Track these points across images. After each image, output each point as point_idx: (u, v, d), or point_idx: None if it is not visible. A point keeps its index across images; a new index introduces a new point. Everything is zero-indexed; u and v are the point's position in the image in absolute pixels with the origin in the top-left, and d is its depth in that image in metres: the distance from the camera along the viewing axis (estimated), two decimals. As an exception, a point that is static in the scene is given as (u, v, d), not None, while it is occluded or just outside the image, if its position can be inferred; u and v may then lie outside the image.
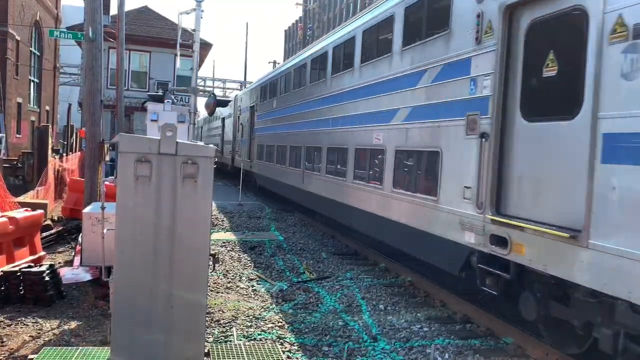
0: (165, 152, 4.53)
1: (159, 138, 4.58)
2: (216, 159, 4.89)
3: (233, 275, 9.22)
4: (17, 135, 34.37)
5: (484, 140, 6.36)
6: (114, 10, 22.77)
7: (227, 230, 13.81)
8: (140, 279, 4.62)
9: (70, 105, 33.46)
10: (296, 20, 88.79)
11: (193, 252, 4.63)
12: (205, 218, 4.66)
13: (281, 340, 6.33)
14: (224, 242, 12.06)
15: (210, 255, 4.98)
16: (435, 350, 6.12)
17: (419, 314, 7.53)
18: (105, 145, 11.52)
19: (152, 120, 11.91)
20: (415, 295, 8.53)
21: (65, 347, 5.45)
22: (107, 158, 12.00)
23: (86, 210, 8.09)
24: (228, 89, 50.37)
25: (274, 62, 62.75)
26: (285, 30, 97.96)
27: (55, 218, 13.57)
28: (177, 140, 4.59)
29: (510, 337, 6.48)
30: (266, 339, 6.32)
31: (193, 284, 4.67)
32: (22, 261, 7.98)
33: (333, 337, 6.56)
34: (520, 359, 6.05)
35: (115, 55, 20.68)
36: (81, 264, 8.18)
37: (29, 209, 9.08)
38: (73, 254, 9.67)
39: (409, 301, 8.17)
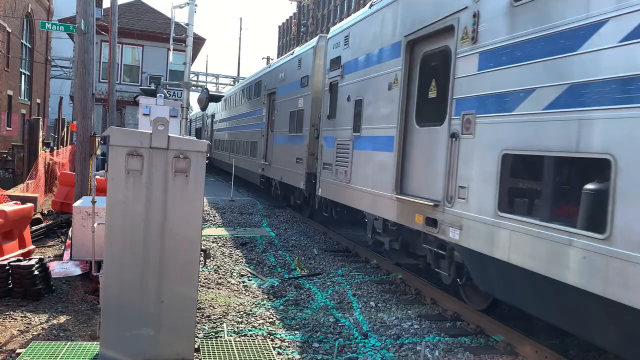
0: (156, 146, 4.51)
1: (150, 132, 4.55)
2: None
3: (224, 271, 9.20)
4: (8, 128, 34.09)
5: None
6: (106, 3, 22.64)
7: (219, 226, 13.77)
8: (130, 273, 4.60)
9: (61, 98, 33.24)
10: (290, 17, 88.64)
11: (184, 247, 4.61)
12: (196, 213, 4.64)
13: (272, 336, 6.32)
14: (215, 238, 12.03)
15: (201, 250, 4.95)
16: (425, 348, 6.13)
17: (409, 311, 7.54)
18: (97, 139, 11.43)
19: (144, 114, 11.84)
20: (406, 293, 8.55)
21: (54, 342, 5.40)
22: (99, 152, 11.90)
23: (76, 204, 8.03)
24: (221, 84, 50.19)
25: (268, 58, 62.60)
26: (280, 26, 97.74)
27: (45, 212, 13.48)
28: (169, 134, 4.56)
29: (500, 335, 6.50)
30: (257, 335, 6.31)
31: (184, 279, 4.65)
32: (11, 255, 7.91)
33: (324, 334, 6.55)
34: (509, 357, 6.07)
35: (108, 49, 20.55)
36: (71, 258, 8.11)
37: (19, 202, 9.01)
38: (63, 247, 9.60)
39: (399, 298, 8.19)
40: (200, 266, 5.06)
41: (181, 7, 16.14)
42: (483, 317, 6.97)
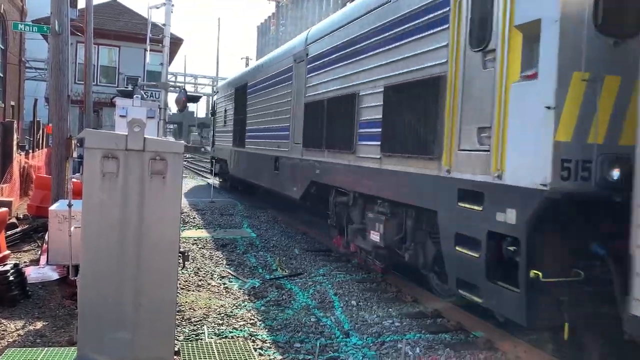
0: (132, 148, 4.46)
1: (126, 134, 4.50)
2: None
3: (204, 273, 9.13)
4: (-19, 131, 33.38)
5: None
6: (82, 3, 22.33)
7: (199, 228, 13.67)
8: (108, 277, 4.54)
9: (36, 100, 32.73)
10: (269, 16, 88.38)
11: (162, 249, 4.56)
12: (174, 215, 4.60)
13: (253, 338, 6.30)
14: (195, 240, 11.94)
15: (180, 253, 4.91)
16: (406, 345, 6.17)
17: (390, 309, 7.58)
18: (73, 141, 11.26)
19: (120, 115, 11.71)
20: (387, 291, 8.58)
21: (30, 348, 5.31)
22: (75, 154, 11.73)
23: (52, 207, 7.91)
24: (199, 84, 49.87)
25: (247, 59, 62.37)
26: (258, 26, 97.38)
27: (21, 216, 13.24)
28: (145, 136, 4.52)
29: (479, 331, 6.57)
30: (238, 337, 6.28)
31: (162, 282, 4.61)
32: (-15, 260, 7.75)
33: (305, 334, 6.55)
34: (489, 352, 6.14)
35: (84, 50, 20.27)
36: (48, 263, 7.99)
37: (-7, 206, 8.83)
38: (39, 252, 9.45)
39: (380, 297, 8.22)
40: (179, 268, 5.03)
41: (157, 8, 15.98)
42: (463, 314, 7.04)
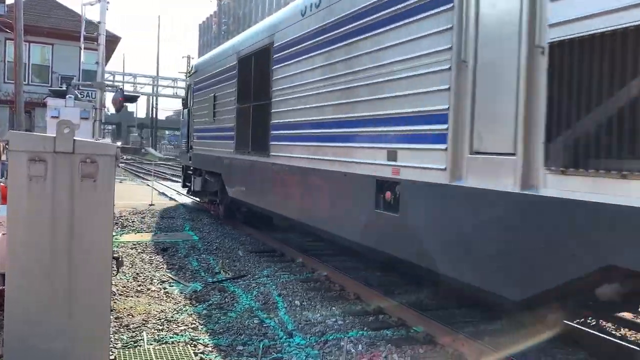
0: (61, 151, 4.28)
1: (54, 135, 4.31)
2: None
3: (144, 278, 8.89)
4: None
5: None
6: (10, -2, 21.31)
7: (138, 232, 13.30)
8: (37, 285, 4.34)
9: (-38, 100, 30.99)
10: (211, 15, 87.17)
11: (94, 255, 4.41)
12: (106, 219, 4.45)
13: (194, 342, 6.18)
14: (134, 244, 11.61)
15: (114, 258, 4.76)
16: (348, 343, 6.22)
17: (333, 308, 7.62)
18: (1, 144, 10.70)
19: (52, 116, 11.21)
20: (330, 289, 8.63)
21: (-47, 364, 5.01)
22: (4, 157, 11.15)
23: (-22, 214, 7.49)
24: (139, 84, 48.59)
25: (188, 57, 61.32)
26: (200, 25, 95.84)
27: (-55, 223, 12.48)
28: (75, 138, 4.35)
29: (420, 326, 6.71)
30: (178, 342, 6.15)
31: (95, 289, 4.45)
32: None
33: (248, 336, 6.50)
34: (429, 346, 6.28)
35: (13, 47, 19.35)
36: (-27, 273, 7.56)
37: None
38: (-35, 261, 8.93)
39: (324, 295, 8.26)
40: (113, 274, 4.88)
41: (92, 5, 15.44)
42: (404, 310, 7.17)
